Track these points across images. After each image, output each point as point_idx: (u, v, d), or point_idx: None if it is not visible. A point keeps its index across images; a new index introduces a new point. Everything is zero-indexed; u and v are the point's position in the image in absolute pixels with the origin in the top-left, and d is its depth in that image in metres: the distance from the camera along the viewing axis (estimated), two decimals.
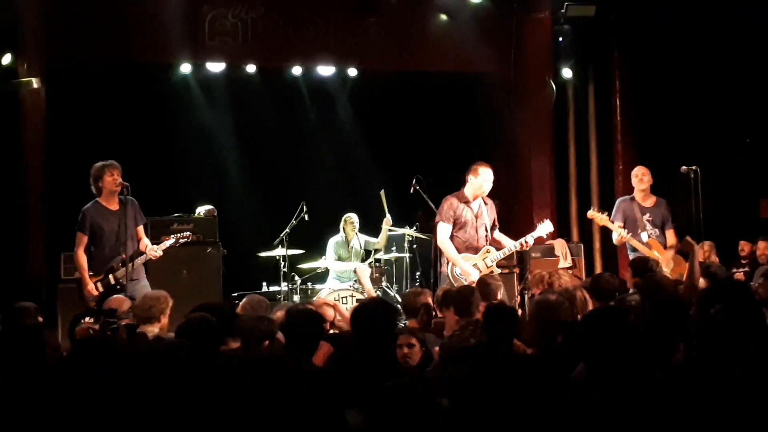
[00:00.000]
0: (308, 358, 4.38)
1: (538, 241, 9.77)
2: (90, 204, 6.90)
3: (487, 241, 7.41)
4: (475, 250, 7.35)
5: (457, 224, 7.37)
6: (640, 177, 8.12)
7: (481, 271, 7.21)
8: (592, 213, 8.26)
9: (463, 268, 7.23)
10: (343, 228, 9.68)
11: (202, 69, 10.01)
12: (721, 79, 10.05)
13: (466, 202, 7.39)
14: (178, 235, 7.21)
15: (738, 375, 3.28)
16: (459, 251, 7.31)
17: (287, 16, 9.76)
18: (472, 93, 10.71)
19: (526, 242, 7.41)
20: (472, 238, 7.37)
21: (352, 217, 9.66)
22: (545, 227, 7.60)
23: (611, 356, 3.30)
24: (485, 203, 7.49)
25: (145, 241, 7.10)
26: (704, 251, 8.46)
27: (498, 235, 7.53)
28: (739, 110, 10.23)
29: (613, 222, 8.05)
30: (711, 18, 9.76)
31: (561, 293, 5.05)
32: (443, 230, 7.34)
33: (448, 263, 7.35)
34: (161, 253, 7.02)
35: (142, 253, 7.00)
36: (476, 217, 7.39)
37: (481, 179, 7.36)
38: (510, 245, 7.39)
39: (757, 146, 10.54)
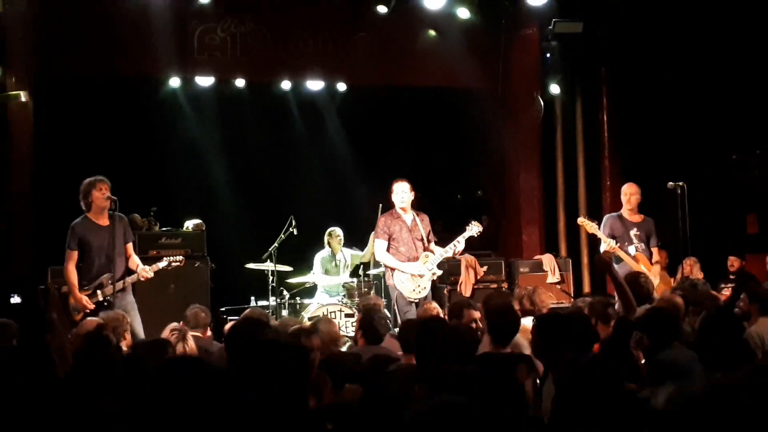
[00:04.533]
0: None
1: (527, 256, 9.88)
2: (79, 219, 6.83)
3: (426, 249, 7.80)
4: (415, 259, 7.73)
5: (394, 239, 7.76)
6: (629, 195, 8.16)
7: (423, 276, 7.64)
8: (582, 220, 8.33)
9: (405, 268, 7.64)
10: (328, 242, 9.66)
11: (191, 83, 10.04)
12: (707, 96, 10.12)
13: (398, 218, 7.78)
14: (171, 258, 7.15)
15: None
16: (405, 260, 7.71)
17: (276, 31, 9.79)
18: (461, 108, 10.74)
19: (455, 247, 7.78)
20: (411, 249, 7.74)
21: (337, 231, 9.65)
22: (473, 228, 7.88)
23: None
24: (420, 218, 7.84)
25: (135, 260, 7.04)
26: (688, 266, 8.49)
27: (432, 247, 7.86)
28: (726, 126, 10.30)
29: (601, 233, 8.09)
30: (698, 35, 9.83)
31: None
32: (379, 245, 7.81)
33: (392, 275, 7.74)
34: (152, 275, 6.98)
35: (132, 271, 6.95)
36: (410, 230, 7.77)
37: (395, 193, 7.77)
38: (443, 251, 7.76)
39: (743, 162, 10.61)
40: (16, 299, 7.59)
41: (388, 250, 7.76)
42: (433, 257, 7.71)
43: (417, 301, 7.57)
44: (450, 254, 7.83)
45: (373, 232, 9.30)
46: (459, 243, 7.79)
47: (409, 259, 7.70)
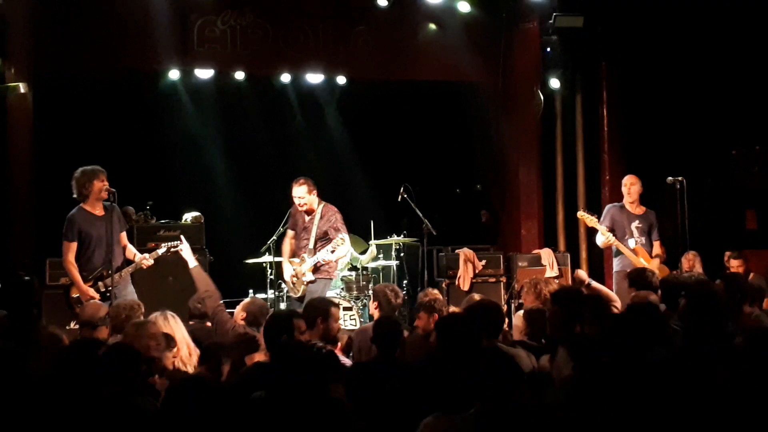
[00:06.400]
0: None
1: (526, 250, 9.88)
2: (75, 210, 6.81)
3: (307, 251, 7.74)
4: (299, 257, 7.82)
5: (296, 231, 7.93)
6: (629, 186, 8.18)
7: (297, 276, 7.73)
8: (581, 213, 8.35)
9: (284, 265, 7.90)
10: None
11: (191, 76, 10.01)
12: (707, 91, 10.12)
13: (300, 212, 7.83)
14: (170, 244, 7.11)
15: None
16: (292, 255, 7.93)
17: (276, 24, 9.77)
18: (461, 102, 10.73)
19: (324, 259, 7.65)
20: (296, 245, 7.90)
21: None
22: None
23: None
24: (322, 215, 7.80)
25: (132, 249, 7.06)
26: (688, 260, 8.49)
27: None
28: (726, 122, 10.29)
29: (601, 225, 8.10)
30: (698, 29, 9.82)
31: None
32: (286, 234, 8.06)
33: None
34: (152, 262, 6.98)
35: (130, 261, 6.95)
36: (304, 228, 7.83)
37: (293, 196, 7.78)
38: (314, 258, 7.68)
39: (742, 158, 10.60)
40: None
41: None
42: (307, 262, 7.66)
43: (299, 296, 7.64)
44: (314, 264, 7.64)
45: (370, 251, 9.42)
46: (324, 259, 7.61)
47: (297, 254, 7.83)
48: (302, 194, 7.69)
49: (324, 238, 7.73)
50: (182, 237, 6.84)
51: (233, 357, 4.74)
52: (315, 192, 7.77)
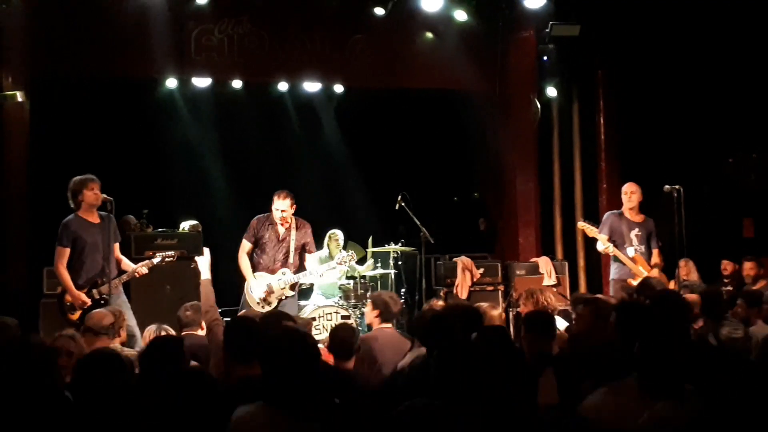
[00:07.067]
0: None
1: (523, 258, 9.88)
2: (71, 217, 6.80)
3: (287, 265, 7.63)
4: (272, 271, 7.64)
5: (261, 245, 7.69)
6: (629, 194, 8.17)
7: (273, 291, 7.56)
8: (581, 223, 8.37)
9: (251, 281, 7.62)
10: (327, 244, 9.66)
11: (188, 84, 10.04)
12: (704, 98, 10.14)
13: (272, 224, 7.66)
14: (164, 254, 7.14)
15: None
16: (257, 269, 7.68)
17: (273, 32, 9.77)
18: (458, 111, 10.74)
19: (321, 274, 7.78)
20: (270, 260, 7.67)
21: (337, 234, 9.65)
22: (345, 258, 7.90)
23: None
24: (298, 228, 7.70)
25: (126, 261, 7.06)
26: (683, 268, 8.49)
27: (308, 257, 7.77)
28: (722, 130, 10.31)
29: (600, 234, 8.11)
30: (694, 38, 9.85)
31: None
32: (242, 246, 7.75)
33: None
34: (147, 271, 6.99)
35: (124, 271, 6.95)
36: (280, 240, 7.67)
37: (274, 209, 7.63)
38: (300, 275, 7.61)
39: (739, 165, 10.62)
40: None
41: (251, 252, 7.72)
42: (288, 276, 7.56)
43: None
44: (300, 281, 7.63)
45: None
46: (313, 273, 7.67)
47: (267, 269, 7.64)
48: (286, 207, 7.59)
49: (302, 251, 7.74)
50: (206, 249, 6.87)
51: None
52: (294, 206, 7.68)
